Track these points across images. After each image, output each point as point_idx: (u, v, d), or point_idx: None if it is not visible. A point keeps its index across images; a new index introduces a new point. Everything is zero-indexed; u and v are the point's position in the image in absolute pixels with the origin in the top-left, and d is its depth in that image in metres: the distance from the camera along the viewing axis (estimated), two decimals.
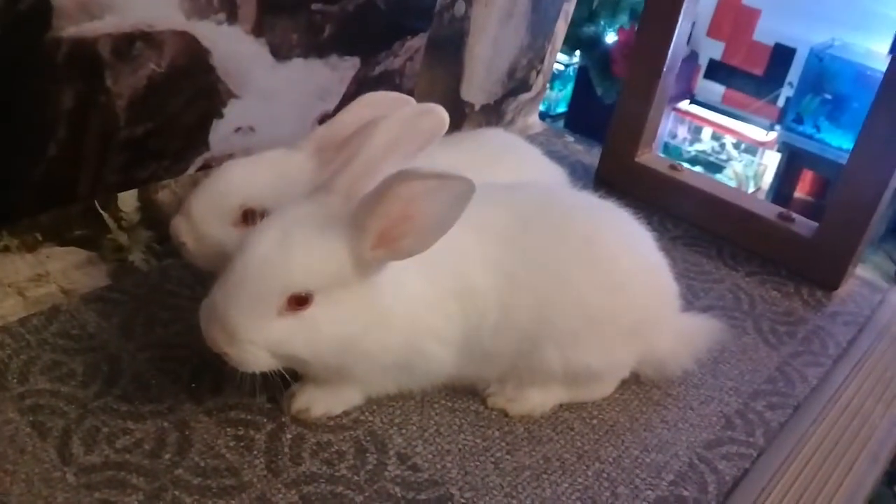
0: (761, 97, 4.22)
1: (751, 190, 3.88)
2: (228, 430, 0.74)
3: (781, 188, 3.89)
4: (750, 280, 1.10)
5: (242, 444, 0.73)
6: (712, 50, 4.33)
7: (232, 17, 0.85)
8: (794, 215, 1.15)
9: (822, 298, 1.09)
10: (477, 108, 1.29)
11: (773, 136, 4.10)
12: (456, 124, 1.25)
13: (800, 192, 3.88)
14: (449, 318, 0.76)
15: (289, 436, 0.75)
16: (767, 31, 4.13)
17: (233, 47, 0.87)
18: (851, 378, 0.95)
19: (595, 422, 0.83)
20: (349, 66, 1.01)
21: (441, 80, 1.19)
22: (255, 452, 0.73)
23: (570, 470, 0.77)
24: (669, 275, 0.88)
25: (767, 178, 4.20)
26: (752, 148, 4.18)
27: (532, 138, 1.39)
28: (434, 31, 1.10)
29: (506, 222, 0.80)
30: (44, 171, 0.78)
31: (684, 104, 4.35)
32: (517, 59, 1.30)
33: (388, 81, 1.07)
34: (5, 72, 0.70)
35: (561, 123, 3.81)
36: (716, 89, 4.37)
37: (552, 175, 1.03)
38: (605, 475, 0.77)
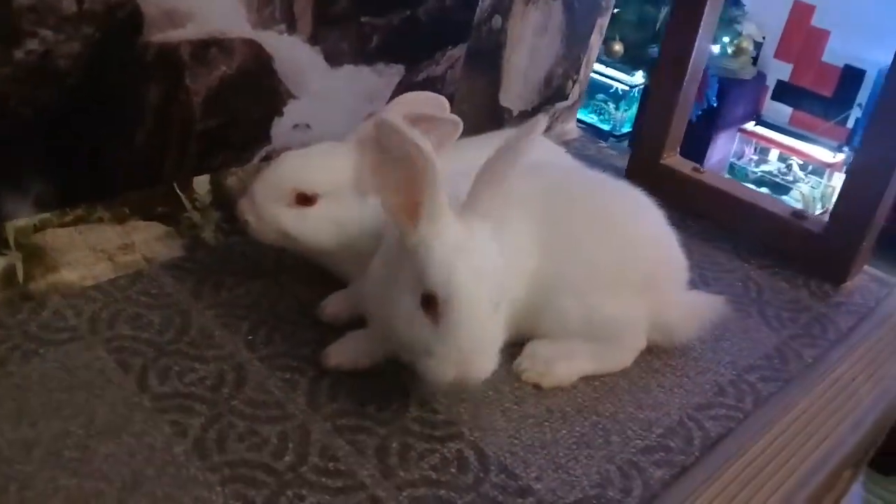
0: (830, 119, 4.21)
1: (818, 212, 3.87)
2: (277, 373, 0.88)
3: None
4: (761, 272, 1.19)
5: (289, 384, 0.86)
6: (780, 71, 4.35)
7: (291, 28, 0.99)
8: (808, 213, 1.23)
9: (830, 290, 1.16)
10: (515, 113, 1.41)
11: (840, 157, 4.08)
12: (495, 128, 1.38)
13: None
14: None
15: (328, 381, 0.88)
16: (837, 53, 4.13)
17: (292, 54, 1.01)
18: (845, 358, 1.02)
19: (597, 383, 0.93)
20: (394, 73, 1.15)
21: (480, 87, 1.31)
22: (299, 392, 0.86)
23: (570, 420, 0.87)
24: (677, 246, 0.98)
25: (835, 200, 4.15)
26: (820, 169, 4.17)
27: (568, 144, 1.51)
28: (473, 42, 1.23)
29: (526, 192, 0.92)
30: (133, 155, 0.93)
31: (750, 125, 4.38)
32: (553, 70, 1.42)
33: (431, 87, 1.20)
34: (104, 70, 0.86)
35: (626, 143, 3.88)
36: (783, 110, 4.39)
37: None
38: (600, 426, 0.87)
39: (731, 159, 4.40)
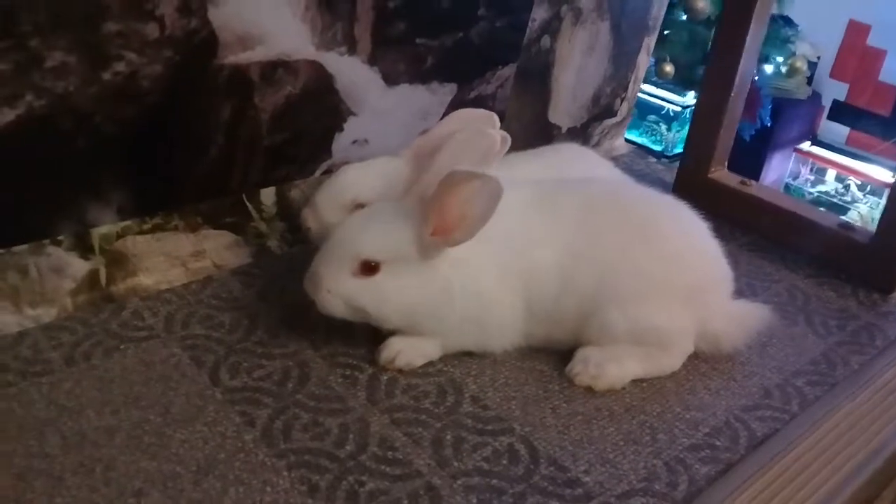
0: (888, 138, 4.15)
1: None
2: (338, 370, 0.93)
3: None
4: (808, 281, 1.21)
5: (349, 380, 0.92)
6: (836, 91, 4.30)
7: (352, 49, 1.06)
8: (856, 225, 1.24)
9: (878, 300, 1.18)
10: (564, 130, 1.45)
11: None
12: (545, 143, 1.43)
13: None
14: (511, 289, 0.93)
15: (385, 378, 0.93)
16: (894, 72, 4.08)
17: (352, 74, 1.07)
18: (892, 364, 1.03)
19: (644, 385, 0.96)
20: (447, 91, 1.21)
21: (530, 105, 1.36)
22: (358, 387, 0.91)
23: (618, 418, 0.90)
24: (722, 257, 1.01)
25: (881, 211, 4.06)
26: (878, 189, 4.10)
27: (617, 159, 1.55)
28: (522, 61, 1.29)
29: (575, 208, 0.96)
30: (206, 168, 1.01)
31: (806, 145, 4.33)
32: (601, 88, 1.47)
33: (482, 105, 1.25)
34: (182, 89, 0.93)
35: (678, 164, 3.88)
36: (840, 130, 4.33)
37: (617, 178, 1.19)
38: (647, 424, 0.90)
39: (787, 179, 4.36)
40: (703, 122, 1.35)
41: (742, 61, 1.27)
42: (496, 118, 1.02)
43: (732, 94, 1.30)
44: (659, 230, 0.97)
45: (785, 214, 1.29)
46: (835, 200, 4.26)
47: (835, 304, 1.16)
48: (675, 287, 0.95)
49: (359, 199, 0.99)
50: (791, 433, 0.90)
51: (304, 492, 0.77)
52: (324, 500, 0.76)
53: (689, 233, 1.00)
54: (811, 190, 4.34)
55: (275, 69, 1.00)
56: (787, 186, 4.31)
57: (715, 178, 1.36)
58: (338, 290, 0.90)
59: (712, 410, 0.93)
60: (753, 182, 1.36)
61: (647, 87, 4.20)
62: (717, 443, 0.88)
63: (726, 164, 1.39)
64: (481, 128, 0.95)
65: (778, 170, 4.27)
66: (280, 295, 1.05)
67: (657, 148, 4.10)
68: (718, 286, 1.00)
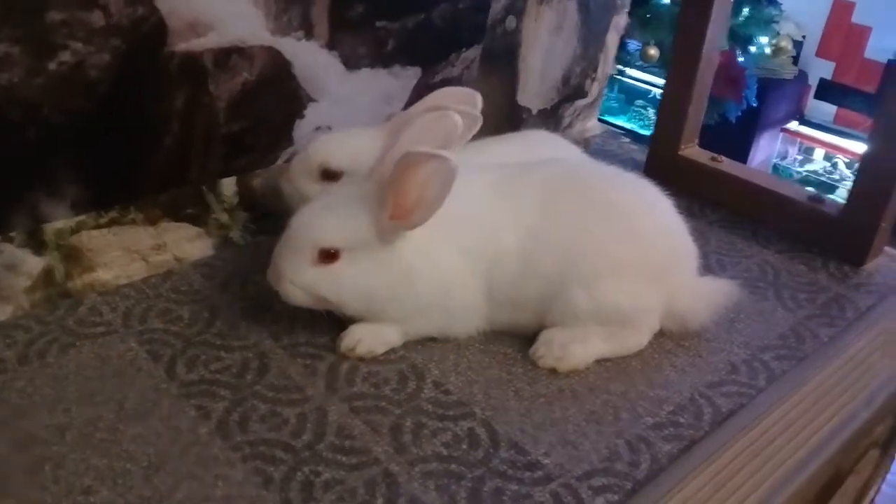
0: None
1: None
2: (298, 360, 0.92)
3: None
4: (779, 256, 1.20)
5: (309, 370, 0.90)
6: (822, 70, 4.30)
7: (308, 34, 1.04)
8: (825, 197, 1.23)
9: (849, 272, 1.17)
10: (534, 112, 1.44)
11: None
12: (515, 127, 1.42)
13: None
14: (473, 273, 0.92)
15: (345, 366, 0.91)
16: (879, 48, 4.08)
17: (310, 59, 1.06)
18: (862, 336, 1.02)
19: (610, 364, 0.95)
20: (411, 75, 1.19)
21: (498, 87, 1.35)
22: (318, 376, 0.90)
23: (581, 398, 0.89)
24: (687, 235, 1.00)
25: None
26: None
27: (590, 140, 1.54)
28: (488, 43, 1.27)
29: (536, 190, 0.95)
30: (162, 158, 0.99)
31: (793, 125, 4.32)
32: (570, 68, 1.45)
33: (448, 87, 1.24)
34: (131, 79, 0.92)
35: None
36: (827, 109, 4.33)
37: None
38: (610, 404, 0.89)
39: (775, 160, 4.35)
40: (672, 99, 1.34)
41: (708, 36, 1.26)
42: (478, 97, 1.01)
43: (700, 70, 1.28)
44: (621, 208, 0.96)
45: (755, 189, 1.28)
46: (823, 179, 4.26)
47: (805, 278, 1.15)
48: (639, 265, 0.93)
49: (327, 165, 1.00)
50: (757, 408, 0.90)
51: (258, 484, 0.76)
52: (277, 492, 0.75)
53: (652, 210, 0.99)
54: (799, 169, 4.34)
55: (229, 56, 0.98)
56: (775, 167, 4.30)
57: (686, 155, 1.35)
58: (298, 280, 0.89)
59: (677, 388, 0.92)
60: (724, 158, 1.35)
61: (632, 72, 4.19)
62: (681, 420, 0.87)
63: (697, 140, 1.37)
64: (455, 107, 0.94)
65: (766, 150, 4.26)
66: (242, 286, 1.03)
67: (646, 132, 4.09)
68: (683, 263, 0.99)
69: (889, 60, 4.06)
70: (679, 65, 1.31)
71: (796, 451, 0.84)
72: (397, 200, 0.85)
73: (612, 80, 3.89)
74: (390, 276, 0.89)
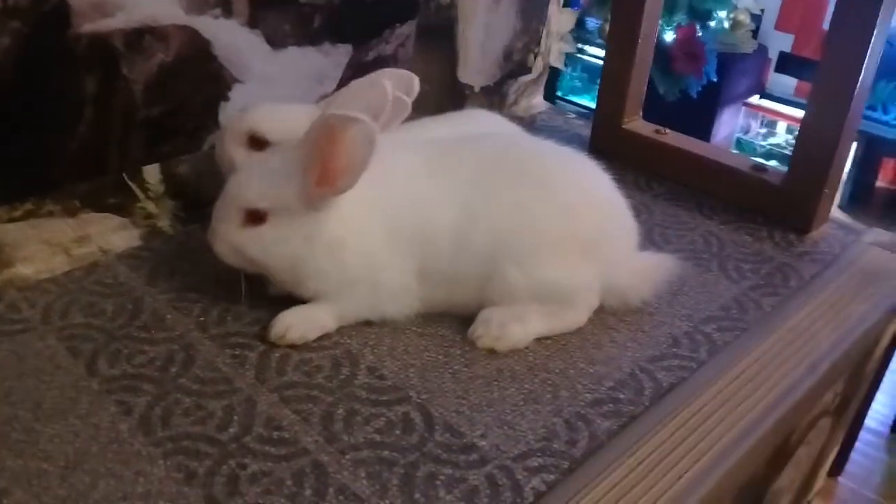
0: None
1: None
2: (227, 350, 0.88)
3: (861, 177, 3.81)
4: (724, 227, 1.18)
5: (237, 360, 0.87)
6: (782, 43, 4.30)
7: (227, 12, 1.00)
8: (768, 165, 1.22)
9: (794, 240, 1.15)
10: (477, 89, 1.41)
11: None
12: (457, 104, 1.39)
13: (882, 181, 3.79)
14: (402, 253, 0.89)
15: (277, 355, 0.88)
16: None
17: (230, 38, 1.02)
18: (805, 304, 1.01)
19: (549, 342, 0.93)
20: (342, 53, 1.16)
21: (436, 64, 1.32)
22: (247, 367, 0.86)
23: (519, 378, 0.87)
24: (625, 209, 0.98)
25: (845, 168, 4.11)
26: None
27: (535, 117, 1.51)
28: (422, 18, 1.24)
29: (467, 165, 0.93)
30: (76, 146, 0.95)
31: (755, 99, 4.33)
32: (512, 43, 1.42)
33: (383, 66, 1.20)
34: (37, 63, 0.87)
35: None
36: (788, 82, 4.33)
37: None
38: (549, 382, 0.87)
39: (738, 134, 4.36)
40: (612, 73, 1.31)
41: (646, 7, 1.23)
42: (416, 80, 0.98)
43: (640, 41, 1.26)
44: (554, 183, 0.93)
45: (699, 160, 1.26)
46: (786, 152, 4.27)
47: (750, 248, 1.13)
48: (573, 241, 0.91)
49: (255, 131, 0.97)
50: (697, 381, 0.88)
51: (180, 479, 0.72)
52: (200, 487, 0.72)
53: (588, 185, 0.96)
54: (762, 143, 4.35)
55: (141, 36, 0.94)
56: (738, 141, 4.32)
57: (629, 128, 1.33)
58: (228, 239, 0.89)
59: (617, 363, 0.90)
60: (668, 130, 1.33)
61: (594, 50, 4.17)
62: (621, 396, 0.85)
63: (640, 113, 1.35)
64: (368, 82, 0.92)
65: (729, 125, 4.26)
66: (170, 277, 0.99)
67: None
68: (621, 238, 0.97)
69: (829, 25, 4.07)
70: (617, 37, 1.28)
71: (736, 423, 0.83)
72: (321, 165, 0.83)
73: (573, 59, 3.88)
74: (315, 244, 0.88)
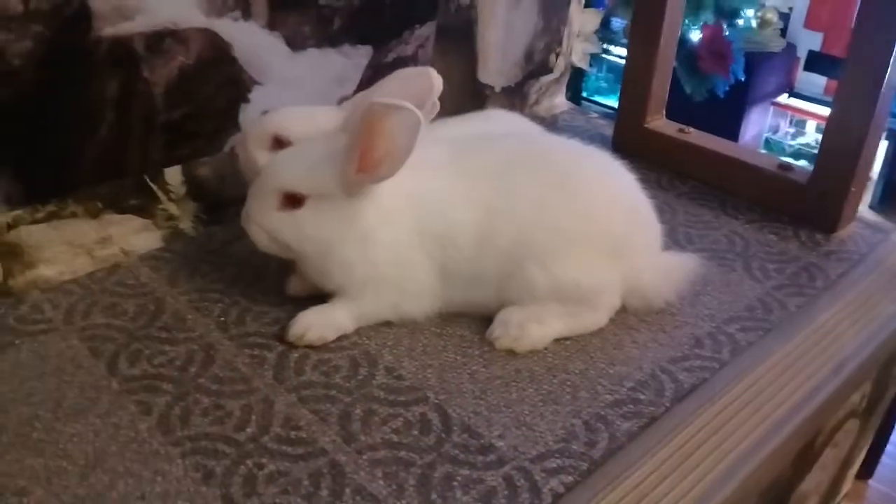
0: None
1: None
2: (246, 350, 0.89)
3: (892, 176, 3.76)
4: (748, 227, 1.16)
5: (256, 360, 0.87)
6: (811, 41, 4.24)
7: (246, 14, 1.01)
8: (794, 164, 1.20)
9: (821, 240, 1.13)
10: (497, 90, 1.40)
11: None
12: (478, 105, 1.38)
13: None
14: (426, 252, 0.89)
15: (295, 355, 0.88)
16: None
17: (250, 40, 1.02)
18: (831, 304, 0.99)
19: (568, 342, 0.92)
20: (362, 55, 1.16)
21: (456, 65, 1.31)
22: (266, 367, 0.86)
23: (538, 379, 0.86)
24: (649, 209, 0.97)
25: (876, 167, 4.06)
26: None
27: (557, 117, 1.50)
28: (442, 19, 1.23)
29: (491, 164, 0.92)
30: (98, 148, 0.95)
31: (783, 98, 4.28)
32: (533, 43, 1.41)
33: (402, 67, 1.20)
34: (59, 66, 0.88)
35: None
36: (817, 81, 4.27)
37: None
38: (569, 383, 0.86)
39: (767, 134, 4.31)
40: (635, 70, 1.30)
41: (668, 5, 1.22)
42: (434, 73, 0.98)
43: (662, 40, 1.25)
44: (578, 183, 0.92)
45: (723, 159, 1.24)
46: (815, 152, 4.20)
47: (775, 248, 1.11)
48: (596, 240, 0.90)
49: (279, 134, 0.97)
50: (719, 382, 0.86)
51: (198, 479, 0.73)
52: (218, 487, 0.72)
53: (611, 184, 0.95)
54: (791, 143, 4.29)
55: (161, 39, 0.95)
56: (766, 141, 4.26)
57: (652, 127, 1.32)
58: (263, 223, 0.88)
59: (638, 364, 0.89)
60: (692, 129, 1.31)
61: (619, 51, 4.14)
62: (642, 397, 0.84)
63: (664, 112, 1.34)
64: (416, 72, 0.94)
65: (757, 125, 4.21)
66: (191, 278, 1.00)
67: None
68: (644, 238, 0.96)
69: (854, 21, 4.01)
70: (639, 36, 1.27)
71: (760, 424, 0.81)
72: (363, 152, 0.83)
73: (599, 60, 3.85)
74: (350, 232, 0.88)
